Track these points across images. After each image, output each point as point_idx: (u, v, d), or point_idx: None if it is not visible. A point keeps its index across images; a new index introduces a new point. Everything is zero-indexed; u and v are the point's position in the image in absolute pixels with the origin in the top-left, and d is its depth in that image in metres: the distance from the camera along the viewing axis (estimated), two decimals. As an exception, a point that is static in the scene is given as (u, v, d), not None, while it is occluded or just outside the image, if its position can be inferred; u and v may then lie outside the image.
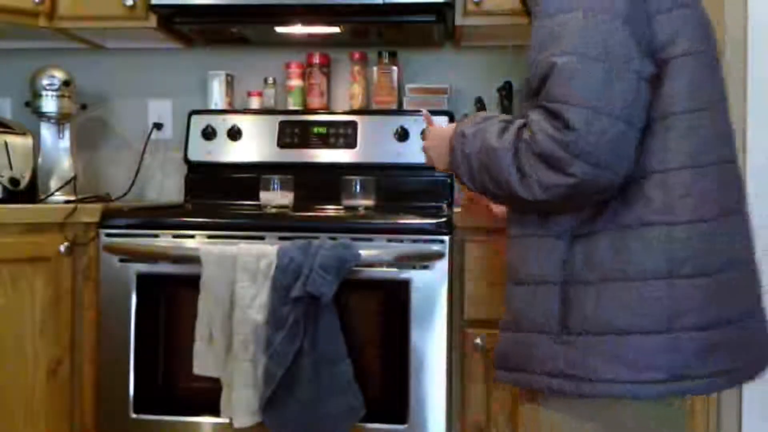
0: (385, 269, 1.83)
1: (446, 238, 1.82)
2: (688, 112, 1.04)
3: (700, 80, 1.05)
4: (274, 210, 2.06)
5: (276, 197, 2.09)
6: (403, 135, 2.37)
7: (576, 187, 1.00)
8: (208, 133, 2.47)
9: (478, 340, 1.84)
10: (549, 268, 1.07)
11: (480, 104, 2.35)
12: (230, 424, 1.79)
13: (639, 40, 1.01)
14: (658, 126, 1.03)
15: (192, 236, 1.89)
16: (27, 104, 2.34)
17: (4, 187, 2.08)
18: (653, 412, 1.06)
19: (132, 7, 2.25)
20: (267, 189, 2.09)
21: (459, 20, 2.20)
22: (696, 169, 1.03)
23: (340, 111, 2.51)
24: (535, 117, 1.03)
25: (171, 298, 1.94)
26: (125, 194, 2.49)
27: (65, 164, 2.36)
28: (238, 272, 1.76)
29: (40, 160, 2.30)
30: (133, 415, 1.92)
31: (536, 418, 1.14)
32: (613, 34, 1.00)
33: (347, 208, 2.07)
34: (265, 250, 1.78)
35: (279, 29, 2.36)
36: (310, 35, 2.42)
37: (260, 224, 1.90)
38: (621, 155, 1.00)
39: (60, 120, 2.35)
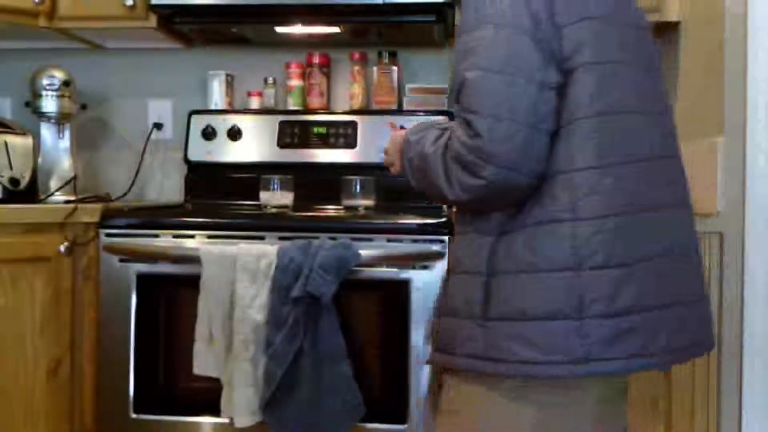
0: (385, 269, 1.83)
1: (446, 238, 1.82)
2: (591, 117, 1.12)
3: (605, 87, 1.13)
4: (274, 210, 2.06)
5: (276, 197, 2.09)
6: (403, 135, 2.37)
7: (489, 188, 1.11)
8: (208, 133, 2.47)
9: (478, 340, 1.84)
10: (478, 261, 1.17)
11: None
12: (231, 423, 1.80)
13: (546, 51, 1.11)
14: (564, 130, 1.12)
15: (192, 236, 1.89)
16: (27, 104, 2.34)
17: (4, 187, 2.08)
18: (564, 392, 1.16)
19: (132, 7, 2.25)
20: (267, 189, 2.09)
21: (459, 20, 2.20)
22: (600, 169, 1.11)
23: (340, 111, 2.51)
24: (455, 125, 1.16)
25: (171, 298, 1.94)
26: (125, 194, 2.49)
27: (65, 164, 2.36)
28: (238, 272, 1.77)
29: (40, 160, 2.30)
30: (133, 415, 1.92)
31: (457, 393, 1.24)
32: (518, 47, 1.10)
33: (347, 208, 2.07)
34: (265, 250, 1.78)
35: (279, 29, 2.36)
36: (310, 35, 2.42)
37: (260, 224, 1.90)
38: (528, 158, 1.10)
39: (60, 120, 2.35)
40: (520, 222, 1.15)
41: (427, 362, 1.32)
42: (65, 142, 2.37)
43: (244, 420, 1.76)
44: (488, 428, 1.21)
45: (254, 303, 1.76)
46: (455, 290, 1.23)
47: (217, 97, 2.55)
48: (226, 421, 1.84)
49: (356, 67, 2.49)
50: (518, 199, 1.14)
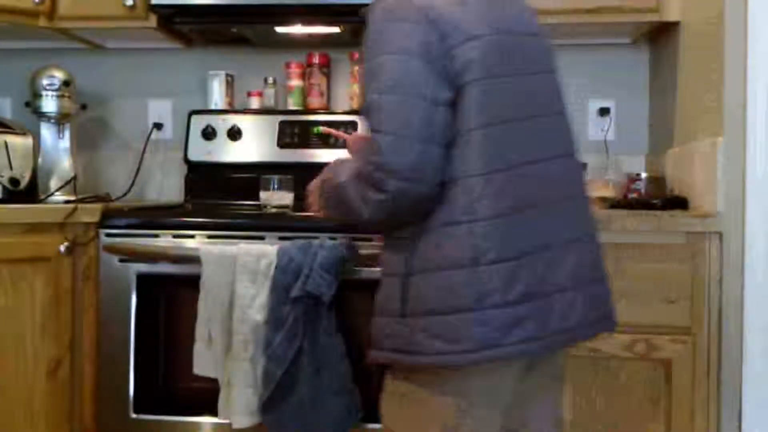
0: (385, 269, 1.83)
1: (446, 238, 1.82)
2: (480, 128, 1.23)
3: (492, 100, 1.24)
4: (274, 210, 2.06)
5: (276, 197, 2.08)
6: (403, 135, 2.36)
7: (395, 201, 1.22)
8: (208, 133, 2.47)
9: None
10: (398, 263, 1.29)
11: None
12: (230, 424, 1.79)
13: (438, 71, 1.23)
14: (458, 140, 1.23)
15: (192, 236, 1.89)
16: (27, 104, 2.34)
17: (4, 187, 2.08)
18: (480, 379, 1.26)
19: (132, 7, 2.24)
20: (267, 189, 2.09)
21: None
22: (488, 175, 1.22)
23: (340, 111, 2.51)
24: (364, 146, 1.29)
25: (171, 298, 1.94)
26: (125, 194, 2.49)
27: (65, 164, 2.36)
28: (238, 272, 1.76)
29: (40, 160, 2.30)
30: (133, 415, 1.92)
31: (390, 387, 1.36)
32: (410, 70, 1.23)
33: (347, 208, 2.06)
34: (265, 250, 1.78)
35: (279, 29, 2.36)
36: (310, 35, 2.42)
37: (260, 224, 1.90)
38: (425, 169, 1.21)
39: (60, 120, 2.35)
40: (429, 225, 1.25)
41: (367, 360, 1.39)
42: (65, 142, 2.37)
43: (242, 420, 1.76)
44: (418, 417, 1.31)
45: (254, 303, 1.76)
46: (382, 291, 1.34)
47: (217, 97, 2.55)
48: (226, 421, 1.83)
49: (356, 67, 2.49)
50: (425, 207, 1.25)
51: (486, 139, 1.23)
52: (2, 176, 2.07)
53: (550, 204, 1.28)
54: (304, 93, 2.52)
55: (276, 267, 1.75)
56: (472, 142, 1.23)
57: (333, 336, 1.76)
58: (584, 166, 2.30)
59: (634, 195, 2.07)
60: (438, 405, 1.29)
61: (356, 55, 2.49)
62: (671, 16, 2.16)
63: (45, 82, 2.29)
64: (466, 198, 1.22)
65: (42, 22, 2.28)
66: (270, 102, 2.56)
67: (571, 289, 1.27)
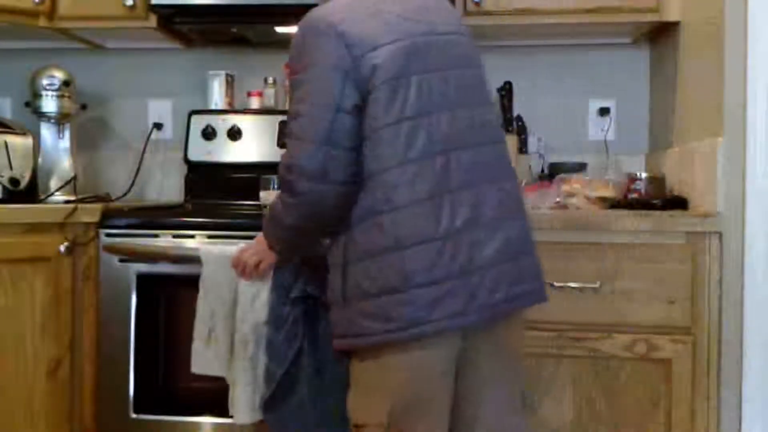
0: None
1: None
2: (388, 125, 1.33)
3: (398, 99, 1.34)
4: (274, 210, 2.06)
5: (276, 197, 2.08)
6: (403, 135, 2.36)
7: (307, 200, 1.38)
8: (208, 133, 2.47)
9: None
10: (339, 254, 1.40)
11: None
12: (231, 424, 1.79)
13: (348, 79, 1.35)
14: (372, 138, 1.34)
15: (192, 236, 1.89)
16: (27, 104, 2.34)
17: (4, 187, 2.08)
18: (419, 355, 1.35)
19: (132, 7, 2.25)
20: (267, 189, 2.09)
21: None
22: (400, 166, 1.33)
23: (340, 111, 2.50)
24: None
25: (171, 298, 1.94)
26: (125, 194, 2.49)
27: (65, 164, 2.36)
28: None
29: (40, 160, 2.30)
30: (133, 415, 1.92)
31: (351, 369, 1.46)
32: (321, 81, 1.37)
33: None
34: (266, 249, 1.78)
35: (279, 29, 2.36)
36: (310, 35, 2.41)
37: (260, 224, 1.89)
38: (331, 169, 1.35)
39: (60, 120, 2.35)
40: (358, 217, 1.36)
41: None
42: (65, 142, 2.37)
43: (245, 417, 1.76)
44: (369, 399, 1.42)
45: (254, 302, 1.75)
46: (329, 282, 1.45)
47: (217, 97, 2.55)
48: (226, 421, 1.84)
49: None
50: (337, 204, 1.37)
51: (396, 134, 1.33)
52: (2, 176, 2.08)
53: (472, 187, 1.36)
54: (304, 93, 2.52)
55: (276, 266, 1.75)
56: (384, 138, 1.34)
57: (332, 337, 1.75)
58: (584, 165, 2.31)
59: (634, 195, 2.07)
60: (385, 382, 1.39)
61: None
62: (671, 16, 2.16)
63: (45, 82, 2.29)
64: (383, 189, 1.33)
65: (42, 22, 2.28)
66: (270, 102, 2.56)
67: (498, 263, 1.35)
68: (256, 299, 1.76)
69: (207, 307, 1.80)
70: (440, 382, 1.39)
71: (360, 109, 1.36)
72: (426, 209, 1.33)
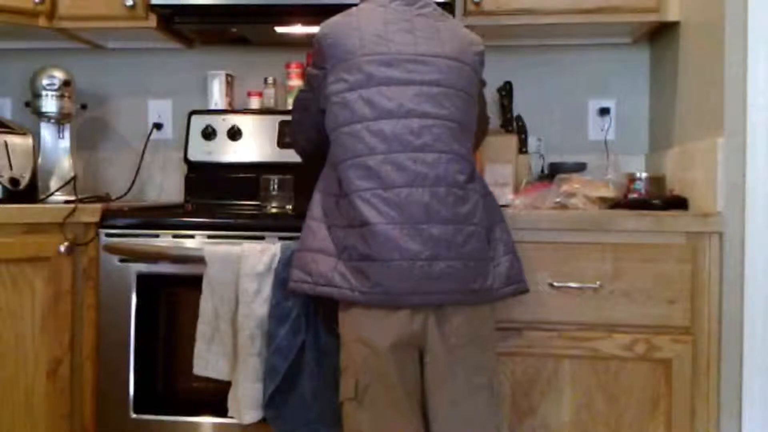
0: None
1: (446, 238, 1.82)
2: (343, 126, 1.60)
3: (351, 105, 1.59)
4: (274, 210, 2.06)
5: (276, 197, 2.08)
6: (403, 135, 2.36)
7: (299, 154, 2.00)
8: (208, 133, 2.48)
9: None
10: (318, 213, 1.65)
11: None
12: (237, 423, 1.79)
13: (317, 90, 1.70)
14: (332, 137, 1.63)
15: (192, 236, 1.89)
16: (27, 104, 2.34)
17: (4, 187, 2.08)
18: (362, 310, 1.56)
19: (132, 7, 2.25)
20: (267, 189, 2.09)
21: (459, 20, 2.20)
22: (354, 159, 1.56)
23: (340, 111, 2.50)
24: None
25: (171, 298, 1.94)
26: (125, 194, 2.49)
27: (65, 164, 2.36)
28: (243, 268, 1.76)
29: (40, 160, 2.30)
30: (133, 415, 1.92)
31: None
32: (302, 93, 1.82)
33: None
34: (268, 245, 1.78)
35: (279, 29, 2.36)
36: (310, 35, 2.41)
37: (260, 224, 1.90)
38: (301, 147, 1.95)
39: (60, 120, 2.35)
40: (329, 194, 1.63)
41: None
42: (65, 142, 2.37)
43: (251, 416, 1.75)
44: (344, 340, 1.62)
45: (258, 298, 1.76)
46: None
47: (217, 97, 2.55)
48: (227, 421, 1.84)
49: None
50: (307, 157, 1.95)
51: (342, 137, 1.59)
52: (2, 176, 2.08)
53: (408, 186, 1.53)
54: (304, 93, 2.52)
55: (279, 261, 1.75)
56: (340, 137, 1.60)
57: (335, 332, 1.75)
58: (584, 165, 2.31)
59: (634, 195, 2.07)
60: (351, 356, 1.59)
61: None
62: (671, 16, 2.16)
63: (45, 82, 2.29)
64: (337, 179, 1.60)
65: (42, 22, 2.28)
66: (270, 102, 2.56)
67: (409, 261, 1.50)
68: (259, 294, 1.76)
69: (211, 307, 1.79)
70: (391, 358, 1.54)
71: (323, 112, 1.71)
72: (363, 199, 1.54)
